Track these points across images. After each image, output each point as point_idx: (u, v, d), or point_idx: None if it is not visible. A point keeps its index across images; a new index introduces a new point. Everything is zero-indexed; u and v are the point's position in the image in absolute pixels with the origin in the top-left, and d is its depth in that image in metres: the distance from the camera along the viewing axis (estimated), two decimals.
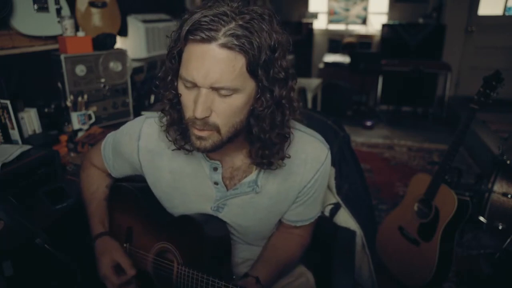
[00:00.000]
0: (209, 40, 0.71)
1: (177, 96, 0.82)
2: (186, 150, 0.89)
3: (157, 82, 0.87)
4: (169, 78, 0.83)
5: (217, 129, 0.79)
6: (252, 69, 0.75)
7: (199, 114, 0.75)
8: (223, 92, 0.75)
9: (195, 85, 0.75)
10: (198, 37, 0.71)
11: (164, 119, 0.91)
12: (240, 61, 0.73)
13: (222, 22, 0.71)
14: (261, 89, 0.78)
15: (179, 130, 0.88)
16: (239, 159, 0.94)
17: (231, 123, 0.79)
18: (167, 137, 0.90)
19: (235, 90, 0.75)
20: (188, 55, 0.75)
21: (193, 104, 0.76)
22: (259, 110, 0.81)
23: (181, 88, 0.79)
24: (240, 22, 0.72)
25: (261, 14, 0.75)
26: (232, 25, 0.71)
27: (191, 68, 0.74)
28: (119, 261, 1.00)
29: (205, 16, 0.71)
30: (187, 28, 0.72)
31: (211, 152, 0.85)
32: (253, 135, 0.85)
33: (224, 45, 0.71)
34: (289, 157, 0.89)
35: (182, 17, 0.77)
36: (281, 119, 0.83)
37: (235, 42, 0.71)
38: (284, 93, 0.81)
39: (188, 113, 0.79)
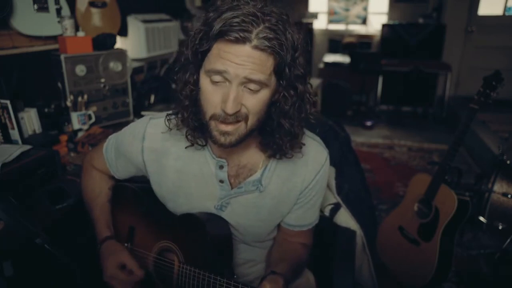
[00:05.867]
0: (243, 41, 0.74)
1: (197, 91, 0.84)
2: (198, 145, 0.92)
3: (174, 77, 0.89)
4: (188, 74, 0.85)
5: (246, 119, 0.81)
6: (279, 69, 0.80)
7: (231, 110, 0.77)
8: (253, 87, 0.78)
9: (225, 80, 0.77)
10: (232, 38, 0.73)
11: (173, 119, 0.92)
12: (270, 61, 0.77)
13: (253, 23, 0.73)
14: (285, 86, 0.83)
15: (194, 125, 0.89)
16: (246, 158, 0.96)
17: (257, 117, 0.83)
18: (187, 135, 0.91)
19: (264, 85, 0.79)
20: (219, 52, 0.76)
21: (221, 102, 0.78)
22: (286, 107, 0.84)
23: (206, 84, 0.80)
24: (268, 24, 0.75)
25: (280, 14, 0.78)
26: (261, 27, 0.74)
27: (224, 61, 0.76)
28: (125, 262, 1.00)
29: (236, 17, 0.73)
30: (218, 28, 0.74)
31: (233, 147, 0.85)
32: (275, 129, 0.87)
33: (257, 47, 0.74)
34: (304, 144, 0.94)
35: (207, 12, 0.80)
36: (305, 112, 0.88)
37: (267, 44, 0.74)
38: (305, 88, 0.85)
39: (214, 110, 0.80)
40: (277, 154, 0.91)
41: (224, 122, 0.80)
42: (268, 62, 0.77)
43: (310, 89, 0.88)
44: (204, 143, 0.92)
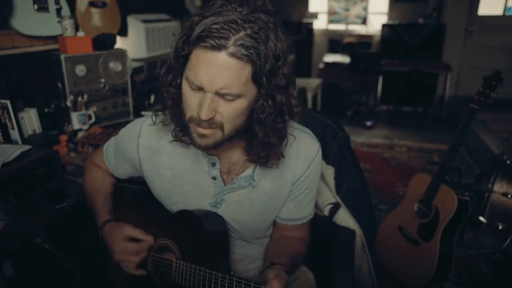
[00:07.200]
0: (219, 48, 0.73)
1: (179, 93, 0.85)
2: (184, 142, 0.92)
3: (160, 78, 0.89)
4: (171, 76, 0.86)
5: (221, 127, 0.82)
6: (256, 77, 0.78)
7: (205, 116, 0.78)
8: (228, 97, 0.78)
9: (201, 89, 0.78)
10: (208, 44, 0.73)
11: (160, 115, 0.93)
12: (246, 69, 0.76)
13: (232, 31, 0.73)
14: (263, 95, 0.82)
15: (178, 124, 0.90)
16: (236, 155, 0.96)
17: (234, 125, 0.83)
18: (174, 134, 0.92)
19: (239, 96, 0.78)
20: (196, 59, 0.77)
21: (198, 106, 0.79)
22: (262, 116, 0.84)
23: (186, 88, 0.81)
24: (249, 32, 0.74)
25: (267, 22, 0.78)
26: (241, 34, 0.74)
27: (199, 72, 0.76)
28: (131, 234, 0.98)
29: (216, 23, 0.73)
30: (197, 33, 0.74)
31: (211, 149, 0.87)
32: (253, 135, 0.88)
33: (233, 54, 0.74)
34: (284, 157, 0.93)
35: (190, 17, 0.79)
36: (282, 124, 0.87)
37: (244, 52, 0.74)
38: (284, 99, 0.84)
39: (191, 113, 0.82)
40: (257, 162, 0.91)
41: (199, 125, 0.81)
42: (244, 70, 0.76)
43: (293, 100, 0.87)
44: (189, 141, 0.92)
